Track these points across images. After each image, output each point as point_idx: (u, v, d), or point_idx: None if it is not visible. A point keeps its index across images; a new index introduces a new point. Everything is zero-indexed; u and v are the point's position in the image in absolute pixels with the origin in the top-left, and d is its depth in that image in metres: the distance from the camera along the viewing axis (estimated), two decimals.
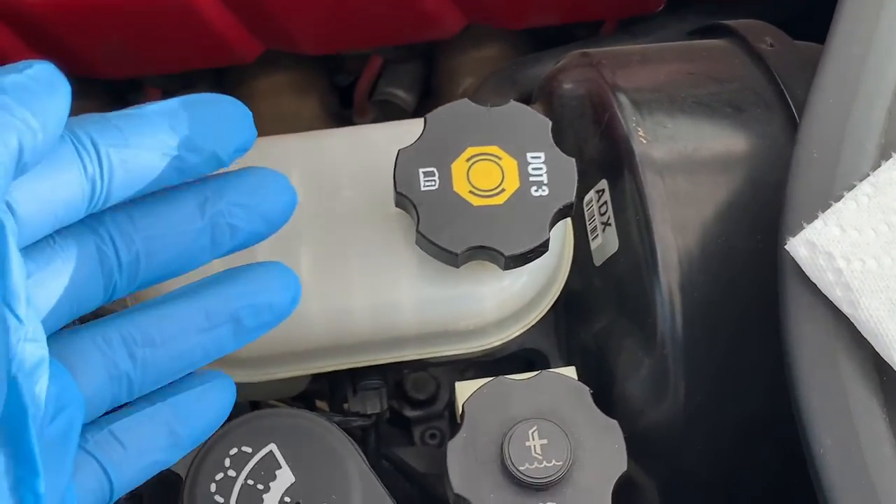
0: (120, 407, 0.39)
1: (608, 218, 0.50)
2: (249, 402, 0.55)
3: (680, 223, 0.47)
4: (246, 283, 0.39)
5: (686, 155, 0.49)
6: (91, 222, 0.37)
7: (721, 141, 0.50)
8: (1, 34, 0.58)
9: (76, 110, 0.76)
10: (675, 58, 0.54)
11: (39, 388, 0.33)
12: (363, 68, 0.74)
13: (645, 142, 0.49)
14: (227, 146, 0.39)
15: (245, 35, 0.60)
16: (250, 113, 0.40)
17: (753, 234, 0.47)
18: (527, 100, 0.56)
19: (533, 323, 0.48)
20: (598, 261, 0.51)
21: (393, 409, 0.57)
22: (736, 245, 0.47)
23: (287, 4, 0.59)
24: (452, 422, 0.56)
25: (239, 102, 0.40)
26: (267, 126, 0.73)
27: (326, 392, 0.54)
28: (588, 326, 0.52)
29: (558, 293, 0.49)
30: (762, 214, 0.47)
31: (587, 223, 0.51)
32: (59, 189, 0.35)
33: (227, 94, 0.73)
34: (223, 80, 0.70)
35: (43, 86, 0.35)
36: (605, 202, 0.50)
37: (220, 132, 0.39)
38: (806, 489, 0.44)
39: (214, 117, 0.39)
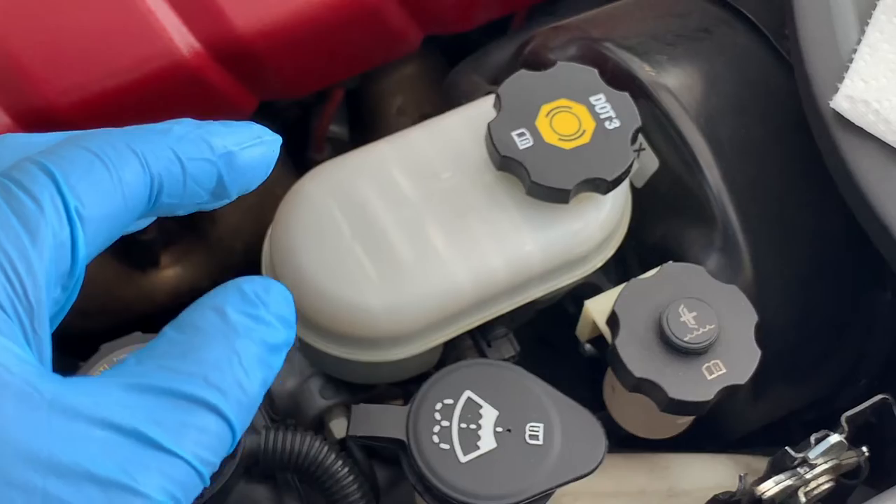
0: None
1: (640, 144, 0.59)
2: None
3: (705, 127, 0.57)
4: None
5: (686, 74, 0.59)
6: None
7: (708, 58, 0.60)
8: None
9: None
10: (636, 9, 0.64)
11: None
12: (293, 111, 0.81)
13: (653, 73, 0.59)
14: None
15: (243, 91, 0.66)
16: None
17: (764, 119, 0.58)
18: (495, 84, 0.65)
19: (622, 240, 0.57)
20: (639, 183, 0.60)
21: None
22: (754, 132, 0.58)
23: (275, 51, 0.65)
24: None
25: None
26: None
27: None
28: (642, 242, 0.61)
29: (630, 211, 0.58)
30: (765, 102, 0.58)
31: None
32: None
33: None
34: None
35: None
36: None
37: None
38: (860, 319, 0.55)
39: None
